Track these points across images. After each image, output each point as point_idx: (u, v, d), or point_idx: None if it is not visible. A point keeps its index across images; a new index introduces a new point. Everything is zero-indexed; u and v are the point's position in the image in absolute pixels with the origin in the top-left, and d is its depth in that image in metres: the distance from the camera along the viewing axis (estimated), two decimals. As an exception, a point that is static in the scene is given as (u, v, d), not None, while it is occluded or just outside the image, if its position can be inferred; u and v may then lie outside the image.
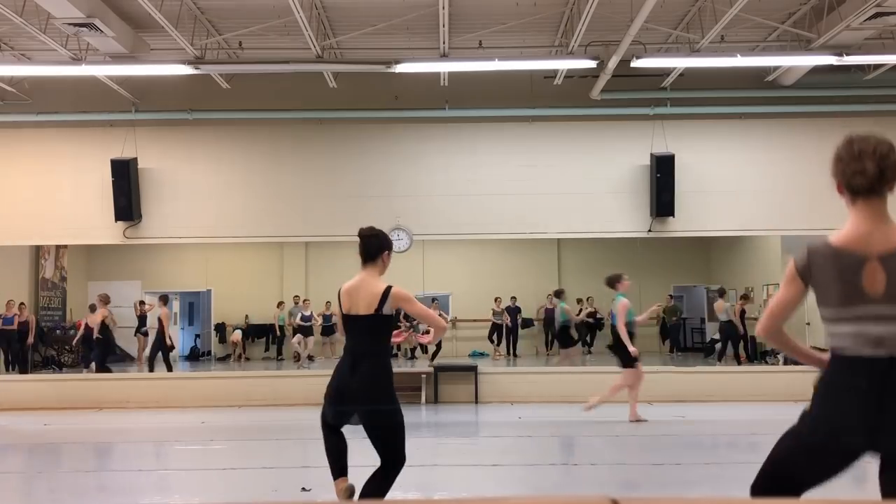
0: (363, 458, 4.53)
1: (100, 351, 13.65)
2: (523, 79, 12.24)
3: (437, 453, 8.01)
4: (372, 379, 4.34)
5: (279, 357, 18.47)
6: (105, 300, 13.87)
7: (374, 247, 4.53)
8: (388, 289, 4.38)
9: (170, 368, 13.46)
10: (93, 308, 14.63)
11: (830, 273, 2.41)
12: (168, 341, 13.51)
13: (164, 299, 14.10)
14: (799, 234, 14.31)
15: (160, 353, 13.50)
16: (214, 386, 12.42)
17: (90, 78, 11.64)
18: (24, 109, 12.66)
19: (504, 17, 10.49)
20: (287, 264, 19.67)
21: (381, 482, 4.34)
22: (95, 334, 13.50)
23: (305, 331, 17.19)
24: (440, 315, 4.79)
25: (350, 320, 4.46)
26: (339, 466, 4.47)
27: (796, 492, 2.44)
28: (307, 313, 17.21)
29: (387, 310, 4.38)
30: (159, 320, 13.73)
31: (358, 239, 4.57)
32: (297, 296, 18.13)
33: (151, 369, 13.56)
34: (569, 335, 14.96)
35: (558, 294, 15.13)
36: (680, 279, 19.65)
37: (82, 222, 12.69)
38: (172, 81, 12.10)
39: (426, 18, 10.35)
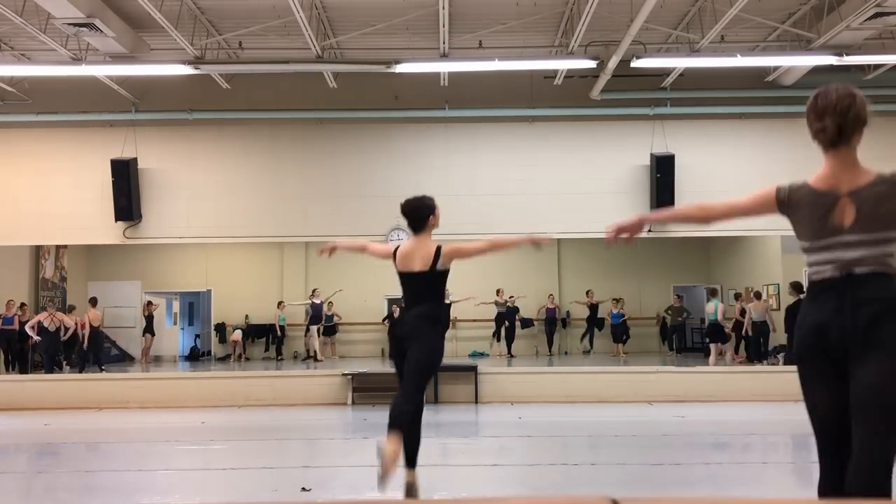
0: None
1: (41, 352, 14.01)
2: (523, 79, 12.25)
3: (437, 453, 8.01)
4: (424, 312, 4.75)
5: (279, 357, 18.45)
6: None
7: (419, 217, 4.87)
8: (439, 248, 4.77)
9: (81, 369, 13.98)
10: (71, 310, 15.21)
11: (807, 209, 2.74)
12: (101, 342, 14.21)
13: (94, 302, 14.68)
14: (799, 234, 14.33)
15: (85, 354, 14.23)
16: (214, 386, 12.41)
17: (90, 78, 11.64)
18: (24, 109, 12.66)
19: (504, 17, 10.50)
20: (287, 264, 19.65)
21: (403, 398, 4.78)
22: (33, 336, 13.68)
23: (314, 321, 16.81)
24: (494, 241, 5.04)
25: (405, 277, 4.85)
26: (407, 453, 4.79)
27: (846, 441, 2.64)
28: (318, 301, 16.85)
29: (440, 266, 4.77)
30: (89, 323, 14.27)
31: (402, 211, 4.90)
32: (315, 288, 17.86)
33: (81, 370, 14.11)
34: (722, 332, 14.73)
35: (714, 293, 14.78)
36: (680, 279, 19.64)
37: (82, 222, 12.70)
38: (172, 81, 12.11)
39: (426, 18, 10.36)
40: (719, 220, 3.05)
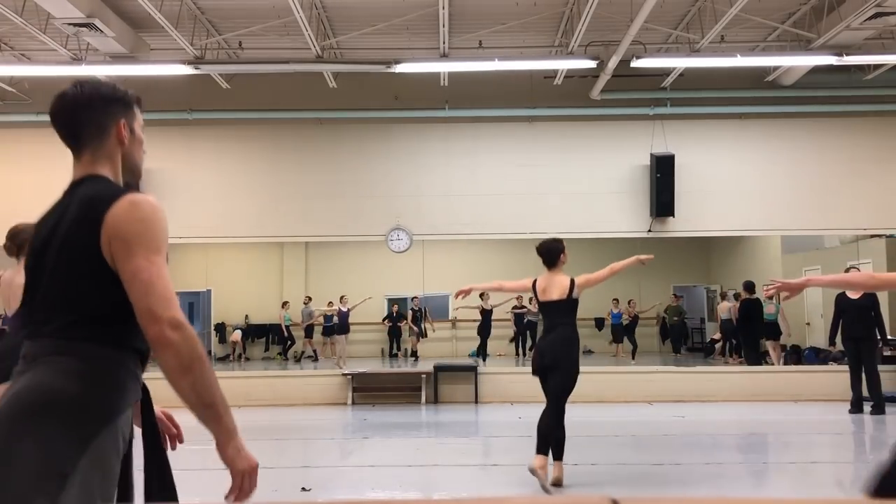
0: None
1: None
2: (523, 79, 12.24)
3: (437, 453, 8.01)
4: (563, 337, 6.02)
5: (284, 357, 18.43)
6: None
7: (553, 257, 6.16)
8: (573, 280, 6.07)
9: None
10: None
11: None
12: None
13: None
14: (799, 234, 14.34)
15: None
16: (214, 386, 12.39)
17: (90, 78, 11.63)
18: (24, 109, 12.65)
19: (504, 17, 10.49)
20: (287, 264, 19.66)
21: (552, 418, 5.94)
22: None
23: (342, 329, 16.13)
24: (611, 267, 6.31)
25: (545, 305, 6.13)
26: (541, 445, 5.95)
27: None
28: (345, 309, 16.14)
29: (574, 294, 6.05)
30: None
31: (538, 252, 6.23)
32: (343, 295, 17.57)
33: None
34: (778, 329, 14.58)
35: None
36: (680, 279, 19.65)
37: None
38: (172, 81, 12.10)
39: (426, 18, 10.35)
40: (887, 288, 3.58)
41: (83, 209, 2.01)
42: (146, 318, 1.89)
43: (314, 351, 17.91)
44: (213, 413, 1.99)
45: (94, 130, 2.18)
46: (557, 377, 5.95)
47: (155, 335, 1.88)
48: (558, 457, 6.02)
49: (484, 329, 16.52)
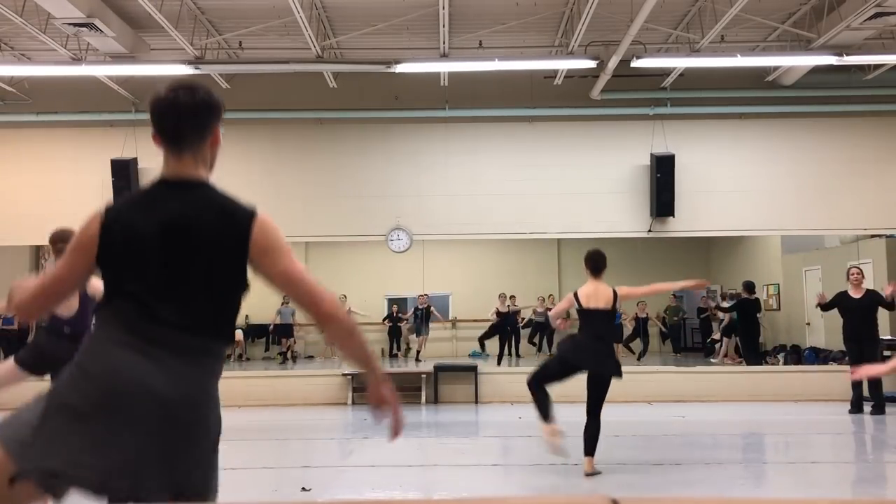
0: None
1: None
2: (523, 79, 12.24)
3: (437, 453, 8.01)
4: (609, 353, 6.53)
5: (284, 357, 18.42)
6: None
7: (601, 265, 6.62)
8: (615, 290, 6.48)
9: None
10: None
11: None
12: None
13: None
14: (799, 234, 14.35)
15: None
16: (214, 386, 12.39)
17: (90, 78, 11.64)
18: (24, 109, 12.65)
19: (504, 17, 10.50)
20: (287, 264, 19.63)
21: (594, 429, 6.49)
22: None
23: None
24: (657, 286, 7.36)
25: (589, 312, 6.46)
26: (547, 415, 6.46)
27: None
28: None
29: (617, 305, 6.51)
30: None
31: (588, 259, 6.65)
32: (343, 295, 17.60)
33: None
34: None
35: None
36: (679, 279, 19.63)
37: (82, 223, 12.68)
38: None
39: (426, 18, 10.36)
40: None
41: (226, 221, 2.33)
42: (311, 304, 2.34)
43: (282, 353, 17.96)
44: (372, 363, 2.41)
45: (197, 135, 2.49)
46: (602, 388, 6.43)
47: (325, 313, 2.33)
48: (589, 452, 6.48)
49: (503, 332, 16.24)
